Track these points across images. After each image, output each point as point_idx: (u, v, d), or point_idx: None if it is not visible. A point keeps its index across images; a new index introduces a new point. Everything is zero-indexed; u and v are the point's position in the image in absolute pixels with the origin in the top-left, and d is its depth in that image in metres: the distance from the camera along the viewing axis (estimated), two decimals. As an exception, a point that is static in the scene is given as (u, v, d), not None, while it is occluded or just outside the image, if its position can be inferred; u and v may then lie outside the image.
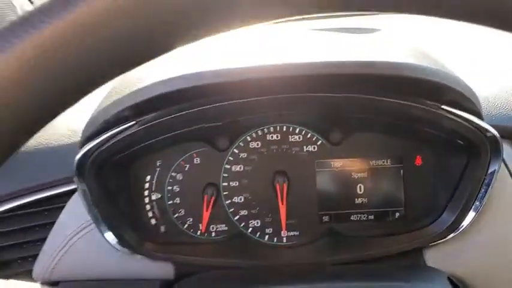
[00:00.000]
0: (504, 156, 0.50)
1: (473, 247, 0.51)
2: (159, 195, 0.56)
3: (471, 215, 0.50)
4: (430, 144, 0.53)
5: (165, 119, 0.47)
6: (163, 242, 0.54)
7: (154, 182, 0.55)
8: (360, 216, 0.55)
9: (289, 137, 0.55)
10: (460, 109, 0.47)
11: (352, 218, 0.55)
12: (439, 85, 0.44)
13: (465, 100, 0.46)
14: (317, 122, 0.55)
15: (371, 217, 0.55)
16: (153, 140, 0.51)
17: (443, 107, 0.47)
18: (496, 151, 0.48)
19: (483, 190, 0.49)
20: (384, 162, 0.55)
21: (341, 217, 0.56)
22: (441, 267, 0.49)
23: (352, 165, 0.55)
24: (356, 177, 0.55)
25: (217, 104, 0.47)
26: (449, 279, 0.46)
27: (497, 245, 0.49)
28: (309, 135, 0.55)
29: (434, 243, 0.51)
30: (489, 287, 0.47)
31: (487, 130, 0.48)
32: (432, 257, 0.51)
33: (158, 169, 0.55)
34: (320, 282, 0.43)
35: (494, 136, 0.48)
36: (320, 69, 0.43)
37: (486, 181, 0.49)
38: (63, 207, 0.53)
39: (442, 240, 0.51)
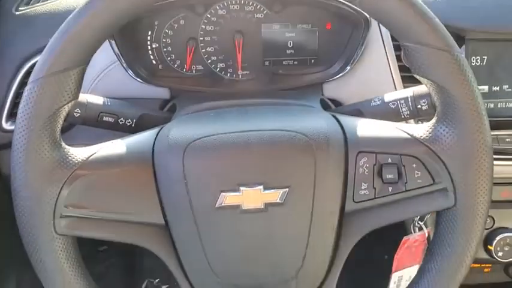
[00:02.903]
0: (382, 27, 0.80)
1: (350, 83, 0.79)
2: (157, 45, 0.80)
3: (351, 63, 0.78)
4: (336, 17, 0.79)
5: None
6: (162, 75, 0.81)
7: (154, 36, 0.80)
8: (289, 62, 0.82)
9: (245, 7, 0.78)
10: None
11: (284, 62, 0.82)
12: None
13: None
14: (264, -3, 0.80)
15: (296, 62, 0.82)
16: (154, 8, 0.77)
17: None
18: (368, 26, 0.77)
19: (359, 48, 0.78)
20: (306, 25, 0.80)
21: (277, 62, 0.82)
22: (330, 95, 0.81)
23: (286, 27, 0.81)
24: (288, 35, 0.81)
25: None
26: (322, 101, 0.76)
27: (364, 82, 0.79)
28: (258, 6, 0.79)
29: (328, 80, 0.79)
30: (352, 100, 0.77)
31: (364, 15, 0.76)
32: (326, 89, 0.80)
33: (156, 27, 0.79)
34: (252, 98, 0.74)
35: (367, 18, 0.76)
36: None
37: (361, 43, 0.79)
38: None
39: (333, 78, 0.79)
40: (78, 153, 0.56)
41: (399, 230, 0.84)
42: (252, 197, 0.55)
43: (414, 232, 0.72)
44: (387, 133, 0.57)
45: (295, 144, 0.55)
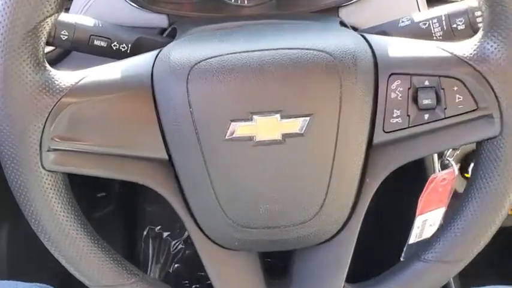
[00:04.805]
0: None
1: (369, 7, 0.70)
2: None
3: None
4: None
5: None
6: (159, 0, 0.72)
7: None
8: None
9: None
10: None
11: None
12: None
13: None
14: None
15: None
16: None
17: None
18: None
19: None
20: None
21: None
22: (346, 21, 0.73)
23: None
24: None
25: None
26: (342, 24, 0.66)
27: (385, 5, 0.70)
28: None
29: (345, 4, 0.70)
30: (371, 24, 0.68)
31: None
32: (342, 13, 0.71)
33: None
34: (261, 19, 0.65)
35: None
36: None
37: None
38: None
39: (350, 2, 0.70)
40: (66, 77, 0.48)
41: (419, 168, 0.78)
42: (267, 127, 0.48)
43: (441, 170, 0.66)
44: (424, 52, 0.49)
45: (317, 64, 0.47)
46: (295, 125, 0.48)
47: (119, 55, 0.61)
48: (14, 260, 0.92)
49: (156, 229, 1.30)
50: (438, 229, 0.54)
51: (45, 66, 0.47)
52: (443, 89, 0.48)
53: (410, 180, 0.73)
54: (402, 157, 0.51)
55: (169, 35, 0.69)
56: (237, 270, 0.55)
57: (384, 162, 0.51)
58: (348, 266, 0.54)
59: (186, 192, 0.51)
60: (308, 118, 0.47)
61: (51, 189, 0.49)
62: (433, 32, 0.58)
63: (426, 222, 0.69)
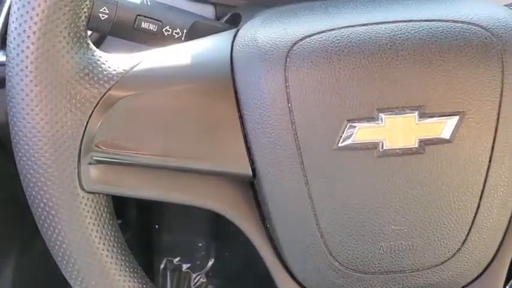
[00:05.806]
0: None
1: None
2: None
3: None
4: None
5: None
6: None
7: None
8: None
9: None
10: None
11: None
12: None
13: None
14: None
15: None
16: None
17: None
18: None
19: None
20: None
21: None
22: None
23: None
24: None
25: None
26: None
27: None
28: None
29: None
30: None
31: None
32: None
33: None
34: None
35: None
36: None
37: None
38: None
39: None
40: (116, 61, 0.35)
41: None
42: (399, 130, 0.34)
43: None
44: None
45: (470, 42, 0.34)
46: (439, 127, 0.34)
47: (170, 43, 0.47)
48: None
49: (174, 261, 1.18)
50: None
51: (88, 44, 0.34)
52: None
53: None
54: None
55: (229, 21, 0.56)
56: None
57: None
58: None
59: (275, 221, 0.37)
60: (457, 118, 0.34)
61: (91, 218, 0.35)
62: None
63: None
